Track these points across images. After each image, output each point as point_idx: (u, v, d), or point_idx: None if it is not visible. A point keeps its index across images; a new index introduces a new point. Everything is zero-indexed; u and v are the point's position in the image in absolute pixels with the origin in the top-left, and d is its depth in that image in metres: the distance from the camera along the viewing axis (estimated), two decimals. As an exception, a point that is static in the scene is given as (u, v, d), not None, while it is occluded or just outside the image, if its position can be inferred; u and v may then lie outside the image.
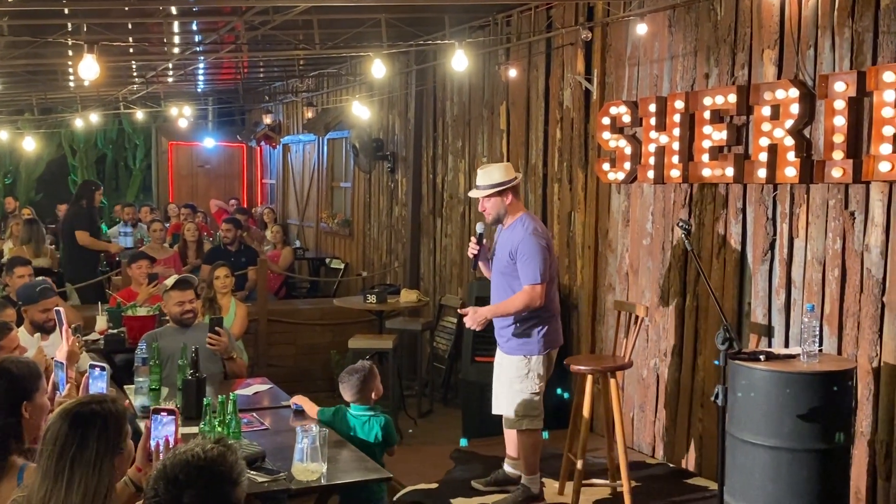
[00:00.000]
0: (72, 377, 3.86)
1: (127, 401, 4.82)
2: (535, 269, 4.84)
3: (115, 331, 6.43)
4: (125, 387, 5.18)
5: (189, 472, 2.08)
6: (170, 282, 5.51)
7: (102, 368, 3.70)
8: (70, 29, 7.40)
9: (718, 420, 4.17)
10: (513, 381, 4.99)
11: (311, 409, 4.55)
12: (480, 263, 5.23)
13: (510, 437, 5.19)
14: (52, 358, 4.08)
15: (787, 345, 4.90)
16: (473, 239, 5.20)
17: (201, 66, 10.46)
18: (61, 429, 2.47)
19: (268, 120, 13.38)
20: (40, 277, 6.36)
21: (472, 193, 5.18)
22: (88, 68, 5.04)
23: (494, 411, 5.18)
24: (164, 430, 2.96)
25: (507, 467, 5.30)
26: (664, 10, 5.71)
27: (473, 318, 5.01)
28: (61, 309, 4.38)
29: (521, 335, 4.96)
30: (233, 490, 2.12)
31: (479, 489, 5.27)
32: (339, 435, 4.23)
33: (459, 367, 7.30)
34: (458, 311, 5.29)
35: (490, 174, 5.05)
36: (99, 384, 3.59)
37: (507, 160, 7.35)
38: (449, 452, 6.05)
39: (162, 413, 3.01)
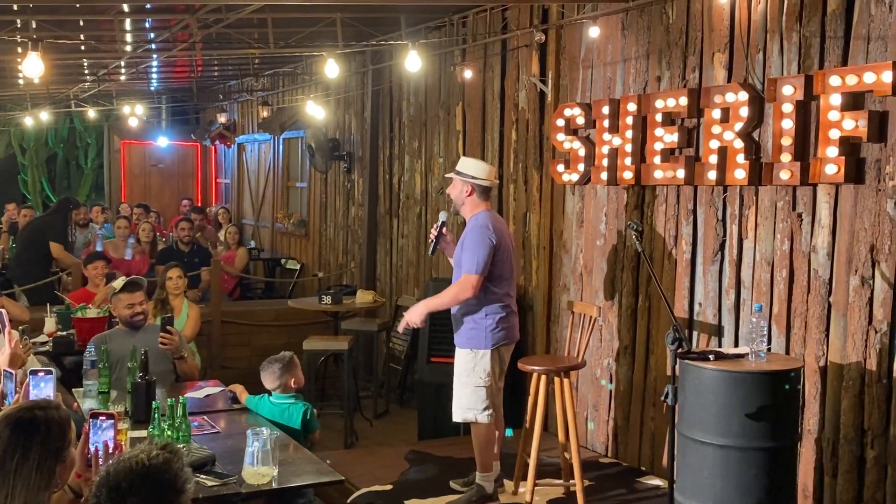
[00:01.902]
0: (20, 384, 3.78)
1: (75, 404, 4.76)
2: (475, 259, 4.87)
3: (65, 333, 6.33)
4: (74, 390, 5.11)
5: (132, 479, 2.06)
6: (118, 284, 5.44)
7: (49, 373, 3.63)
8: (19, 25, 7.28)
9: (669, 419, 4.22)
10: (460, 374, 5.03)
11: (243, 396, 4.76)
12: (446, 252, 5.29)
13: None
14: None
15: (736, 344, 4.96)
16: (436, 224, 5.23)
17: (154, 64, 10.34)
18: (3, 435, 2.42)
19: (222, 119, 13.26)
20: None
21: (447, 175, 5.27)
22: (33, 66, 4.96)
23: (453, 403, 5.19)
24: (103, 435, 2.92)
25: None
26: (617, 14, 5.76)
27: (409, 315, 5.05)
28: (3, 311, 4.29)
29: (471, 329, 4.99)
30: (177, 498, 2.10)
31: (457, 489, 5.25)
32: (267, 422, 4.41)
33: (416, 368, 7.30)
34: (398, 329, 5.34)
35: (466, 164, 5.17)
36: (45, 389, 3.52)
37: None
38: (404, 454, 6.04)
39: (101, 417, 2.97)
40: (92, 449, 2.83)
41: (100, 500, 2.05)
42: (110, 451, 2.82)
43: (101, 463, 2.70)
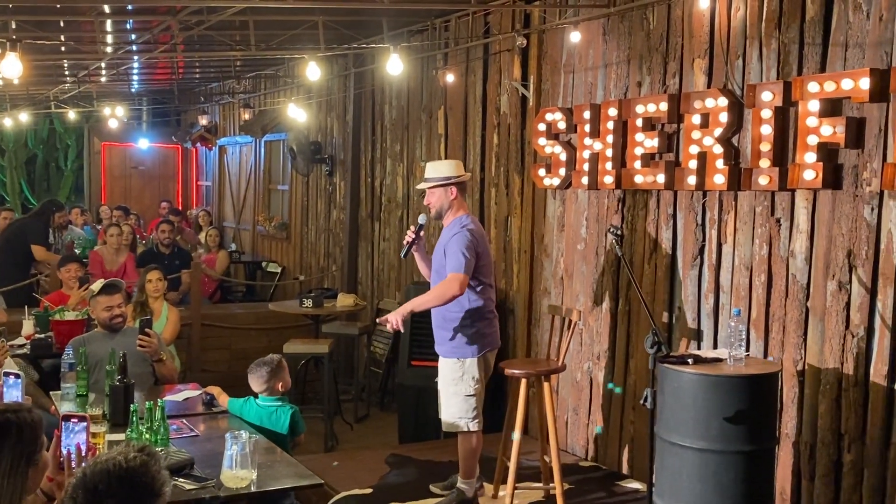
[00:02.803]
0: None
1: (53, 406, 4.72)
2: (461, 260, 4.81)
3: (43, 335, 6.29)
4: (52, 393, 5.08)
5: (110, 482, 2.05)
6: (96, 286, 5.40)
7: (17, 376, 3.61)
8: (-2, 25, 7.24)
9: (648, 423, 4.23)
10: (448, 383, 5.00)
11: (224, 399, 4.73)
12: (416, 256, 5.22)
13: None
14: None
15: (715, 348, 4.98)
16: (413, 227, 5.15)
17: (135, 65, 10.28)
18: None
19: (204, 121, 13.20)
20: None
21: (420, 185, 5.20)
22: (12, 67, 4.92)
23: (440, 415, 5.17)
24: (75, 438, 2.90)
25: None
26: (598, 19, 5.79)
27: (392, 317, 4.94)
28: (-23, 313, 4.26)
29: (455, 338, 4.96)
30: (154, 501, 2.09)
31: (437, 493, 5.25)
32: (248, 425, 4.40)
33: (396, 372, 7.30)
34: (378, 319, 5.24)
35: (438, 168, 5.10)
36: (13, 393, 3.49)
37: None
38: (384, 457, 6.03)
39: (73, 420, 2.95)
40: (64, 452, 2.81)
41: (76, 502, 2.03)
42: (83, 453, 2.81)
43: (73, 465, 2.68)
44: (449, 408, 5.00)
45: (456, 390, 4.96)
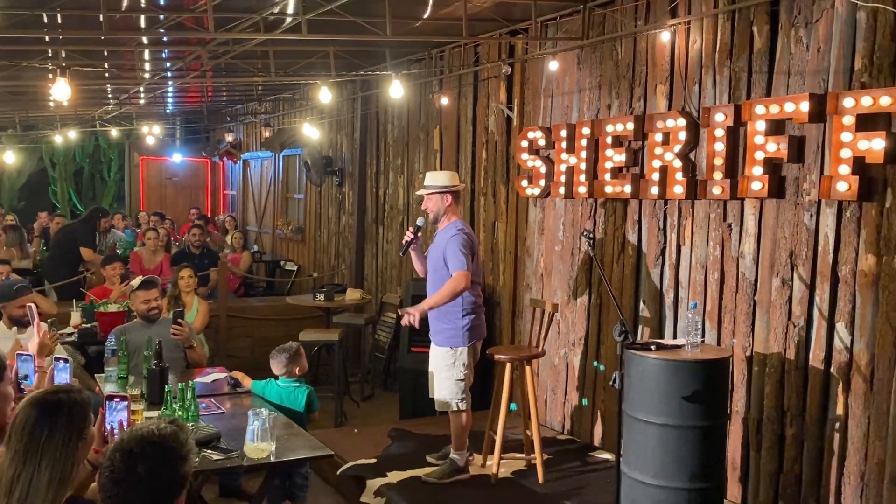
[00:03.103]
0: (40, 367, 3.73)
1: (97, 387, 4.71)
2: (462, 258, 4.80)
3: (89, 325, 6.28)
4: (96, 375, 5.07)
5: (143, 446, 2.05)
6: (136, 283, 5.40)
7: (66, 361, 3.60)
8: (51, 55, 7.22)
9: (617, 401, 4.23)
10: (441, 369, 4.99)
11: (246, 381, 4.76)
12: (413, 255, 5.20)
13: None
14: (15, 352, 3.94)
15: (674, 336, 4.99)
16: (412, 228, 5.13)
17: (170, 89, 10.27)
18: (31, 416, 2.40)
19: (229, 138, 13.19)
20: (16, 276, 6.18)
21: (419, 192, 5.18)
22: (61, 90, 4.91)
23: (431, 395, 5.17)
24: (118, 415, 2.90)
25: None
26: (573, 50, 5.79)
27: (414, 311, 4.89)
28: (33, 305, 4.25)
29: (449, 329, 4.95)
30: (182, 464, 2.10)
31: (433, 462, 5.24)
32: (269, 404, 4.41)
33: (397, 357, 7.29)
34: (399, 311, 5.18)
35: (436, 177, 5.07)
36: (63, 375, 3.49)
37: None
38: (387, 431, 6.03)
39: (116, 399, 2.95)
40: (108, 427, 2.81)
41: (113, 463, 2.04)
42: (124, 428, 2.80)
43: (116, 439, 2.68)
44: (442, 390, 4.99)
45: (448, 375, 4.96)
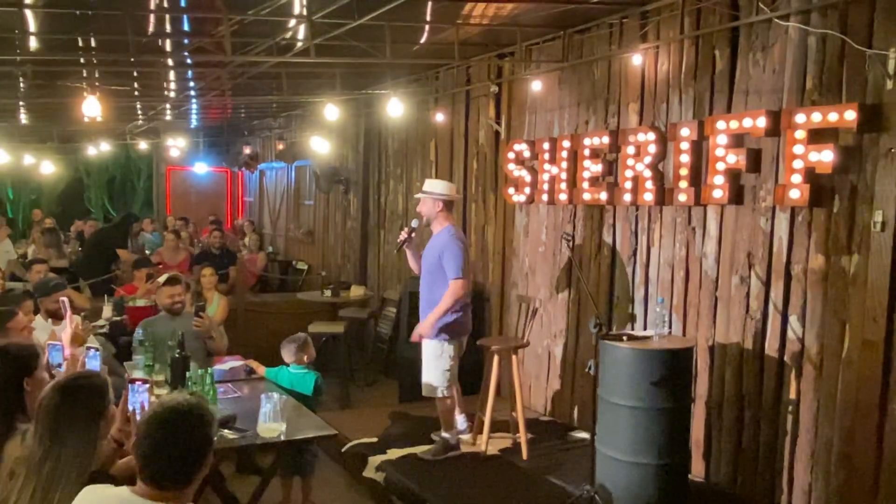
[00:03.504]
0: (67, 357, 3.71)
1: (127, 374, 4.69)
2: (457, 266, 4.77)
3: (119, 318, 6.26)
4: (126, 363, 5.05)
5: (172, 413, 2.09)
6: (162, 279, 5.38)
7: (96, 350, 3.59)
8: (85, 74, 7.20)
9: (592, 386, 4.23)
10: (430, 359, 4.96)
11: (260, 369, 4.75)
12: (408, 253, 5.17)
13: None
14: (47, 342, 3.92)
15: (644, 328, 4.99)
16: (407, 228, 5.11)
17: (193, 106, 10.25)
18: (55, 399, 2.41)
19: (248, 150, 13.15)
20: (52, 274, 6.17)
21: (417, 195, 5.15)
22: (92, 107, 4.90)
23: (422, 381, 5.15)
24: (139, 397, 2.90)
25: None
26: (555, 71, 5.79)
27: (421, 332, 4.87)
28: (66, 299, 4.24)
29: (440, 324, 4.90)
30: (209, 428, 2.13)
31: (435, 440, 5.22)
32: (280, 388, 4.38)
33: (397, 347, 7.28)
34: (410, 340, 5.12)
35: (432, 184, 5.03)
36: (94, 363, 3.48)
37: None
38: (387, 413, 6.02)
39: (137, 382, 2.95)
40: (131, 408, 2.81)
41: (149, 431, 2.06)
42: (145, 409, 2.80)
43: (137, 420, 2.68)
44: (430, 379, 4.96)
45: (436, 364, 4.93)
